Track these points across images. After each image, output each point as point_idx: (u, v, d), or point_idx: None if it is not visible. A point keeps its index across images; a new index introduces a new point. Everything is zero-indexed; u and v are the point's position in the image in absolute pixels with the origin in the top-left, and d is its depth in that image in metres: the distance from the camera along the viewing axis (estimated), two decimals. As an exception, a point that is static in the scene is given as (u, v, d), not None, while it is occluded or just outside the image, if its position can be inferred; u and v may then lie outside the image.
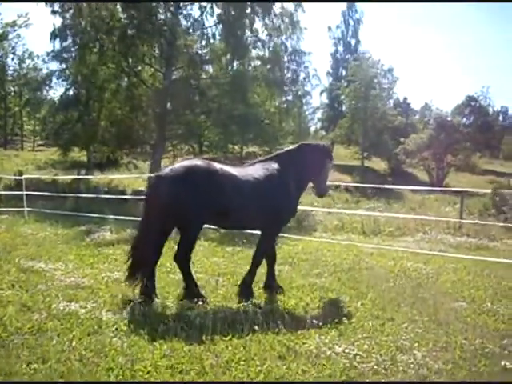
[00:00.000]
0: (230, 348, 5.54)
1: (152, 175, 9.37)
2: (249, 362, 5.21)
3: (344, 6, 59.98)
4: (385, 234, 15.99)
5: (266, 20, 28.68)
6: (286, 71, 43.84)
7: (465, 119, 53.52)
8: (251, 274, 7.94)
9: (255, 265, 7.99)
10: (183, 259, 7.42)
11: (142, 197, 18.66)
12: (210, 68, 31.36)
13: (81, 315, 6.44)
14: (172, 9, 27.26)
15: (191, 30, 28.83)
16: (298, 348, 5.64)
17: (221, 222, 8.12)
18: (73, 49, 30.67)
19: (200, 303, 7.03)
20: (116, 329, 6.04)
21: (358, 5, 58.91)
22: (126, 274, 7.45)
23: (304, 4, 30.16)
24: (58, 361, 5.07)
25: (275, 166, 8.04)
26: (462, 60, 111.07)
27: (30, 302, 6.93)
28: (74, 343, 5.50)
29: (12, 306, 6.75)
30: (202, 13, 28.05)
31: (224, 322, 6.30)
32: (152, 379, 4.80)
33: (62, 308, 6.68)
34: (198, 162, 7.65)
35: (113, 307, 6.88)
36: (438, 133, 40.88)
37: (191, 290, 7.33)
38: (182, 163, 7.68)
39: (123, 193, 26.46)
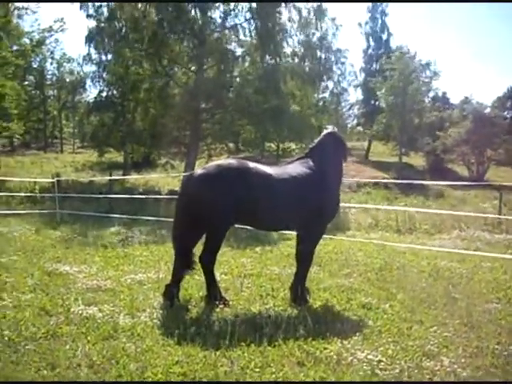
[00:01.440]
0: (246, 354, 5.31)
1: (185, 174, 9.21)
2: (265, 369, 4.99)
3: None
4: (420, 231, 15.58)
5: (293, 14, 28.66)
6: (321, 68, 43.67)
7: (506, 111, 52.26)
8: (300, 278, 7.60)
9: (304, 269, 7.70)
10: (208, 260, 7.22)
11: (175, 196, 18.75)
12: (241, 64, 31.13)
13: (98, 319, 6.31)
14: (201, 7, 27.24)
15: (221, 27, 28.77)
16: (319, 354, 5.38)
17: (254, 223, 7.83)
18: (107, 50, 30.89)
19: (221, 306, 6.85)
20: (132, 333, 5.88)
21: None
22: None
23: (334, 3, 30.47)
24: (68, 367, 4.93)
25: (312, 161, 7.77)
26: (502, 50, 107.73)
27: (49, 306, 6.83)
28: (86, 348, 5.36)
29: (30, 309, 6.67)
30: (231, 9, 27.98)
31: (244, 326, 6.08)
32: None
33: (80, 312, 6.55)
34: (231, 161, 7.54)
35: (132, 311, 6.73)
36: (477, 126, 39.86)
37: (213, 292, 7.13)
38: (215, 162, 7.59)
39: (159, 193, 26.58)
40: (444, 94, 59.81)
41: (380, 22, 59.18)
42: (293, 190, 7.32)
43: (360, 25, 59.65)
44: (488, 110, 46.59)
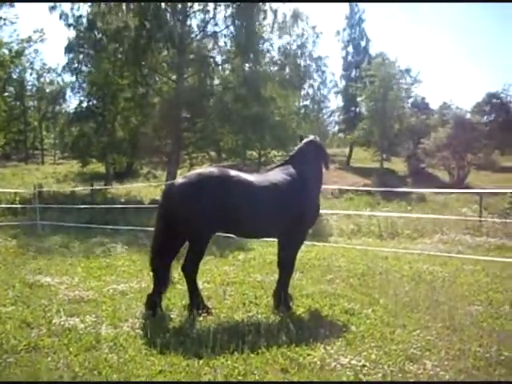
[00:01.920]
0: (229, 362, 5.30)
1: (166, 183, 9.15)
2: (248, 377, 4.98)
3: (347, 9, 59.85)
4: (402, 236, 15.65)
5: (269, 15, 29.01)
6: (301, 75, 43.93)
7: (485, 117, 52.74)
8: (282, 285, 7.58)
9: (286, 275, 7.68)
10: (191, 269, 7.19)
11: (156, 205, 18.76)
12: (221, 72, 31.17)
13: (80, 330, 6.25)
14: (180, 17, 27.30)
15: (201, 35, 28.86)
16: (302, 360, 5.38)
17: (236, 231, 7.78)
18: (86, 60, 30.91)
19: (204, 315, 6.82)
20: (114, 344, 5.83)
21: (361, 4, 58.66)
22: None
23: (313, 8, 31.04)
24: (50, 379, 4.88)
25: (293, 168, 7.81)
26: (480, 56, 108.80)
27: (31, 318, 6.76)
28: (68, 360, 5.32)
29: (12, 322, 6.59)
30: (211, 17, 28.12)
31: (227, 334, 6.05)
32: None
33: (61, 323, 6.48)
34: (211, 169, 7.51)
35: (114, 321, 6.68)
36: (457, 132, 40.17)
37: (196, 301, 7.10)
38: (195, 171, 7.56)
39: (140, 203, 26.48)
40: (423, 99, 60.19)
41: (358, 28, 59.57)
42: (274, 197, 7.32)
43: (338, 32, 60.06)
44: (468, 116, 47.03)
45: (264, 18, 29.02)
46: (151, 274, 7.49)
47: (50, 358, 5.38)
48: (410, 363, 5.30)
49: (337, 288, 8.63)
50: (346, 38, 59.64)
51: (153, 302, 7.02)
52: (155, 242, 7.37)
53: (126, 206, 20.91)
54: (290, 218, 7.46)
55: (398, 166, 47.17)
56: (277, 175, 7.66)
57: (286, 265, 7.71)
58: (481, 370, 5.18)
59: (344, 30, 59.68)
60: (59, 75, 40.52)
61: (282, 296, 7.38)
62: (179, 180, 7.32)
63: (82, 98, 33.64)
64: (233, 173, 7.28)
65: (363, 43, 59.50)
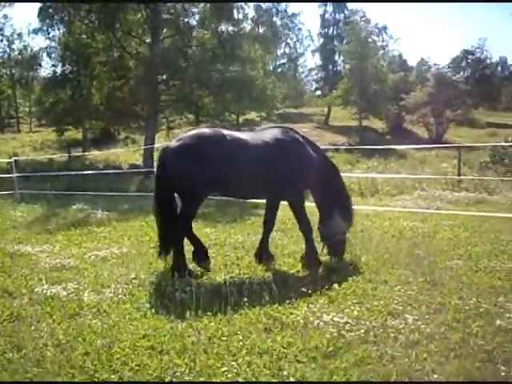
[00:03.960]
0: (212, 323, 5.31)
1: (162, 146, 9.07)
2: (232, 337, 5.00)
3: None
4: (382, 193, 15.73)
5: None
6: (278, 34, 43.46)
7: (462, 72, 52.74)
8: (309, 244, 7.88)
9: (307, 232, 8.01)
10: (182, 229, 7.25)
11: (135, 170, 18.68)
12: (197, 32, 30.63)
13: (62, 298, 6.23)
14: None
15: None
16: (285, 319, 5.42)
17: (231, 192, 7.85)
18: (59, 23, 30.19)
19: (186, 277, 6.83)
20: (97, 310, 5.83)
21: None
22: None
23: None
24: (34, 348, 4.86)
25: (295, 134, 7.78)
26: (455, 10, 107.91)
27: (12, 288, 6.72)
28: (52, 328, 5.30)
29: (-7, 293, 6.56)
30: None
31: (209, 295, 6.08)
32: (129, 361, 4.56)
33: (43, 292, 6.45)
34: (205, 129, 7.53)
35: (96, 287, 6.67)
36: (436, 89, 40.30)
37: (179, 263, 7.11)
38: (189, 132, 7.50)
39: (119, 168, 26.31)
40: (400, 55, 59.94)
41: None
42: (268, 156, 7.30)
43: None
44: (446, 72, 47.00)
45: None
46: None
47: (33, 327, 5.35)
48: (391, 318, 5.36)
49: (318, 247, 8.61)
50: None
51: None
52: (157, 206, 7.38)
53: (105, 172, 20.75)
54: (282, 179, 7.45)
55: (377, 123, 47.19)
56: (269, 134, 7.62)
57: (305, 225, 8.06)
58: (460, 322, 5.26)
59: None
60: (29, 35, 39.52)
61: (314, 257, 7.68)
62: (174, 142, 7.29)
63: (55, 63, 32.87)
64: (226, 132, 7.29)
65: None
